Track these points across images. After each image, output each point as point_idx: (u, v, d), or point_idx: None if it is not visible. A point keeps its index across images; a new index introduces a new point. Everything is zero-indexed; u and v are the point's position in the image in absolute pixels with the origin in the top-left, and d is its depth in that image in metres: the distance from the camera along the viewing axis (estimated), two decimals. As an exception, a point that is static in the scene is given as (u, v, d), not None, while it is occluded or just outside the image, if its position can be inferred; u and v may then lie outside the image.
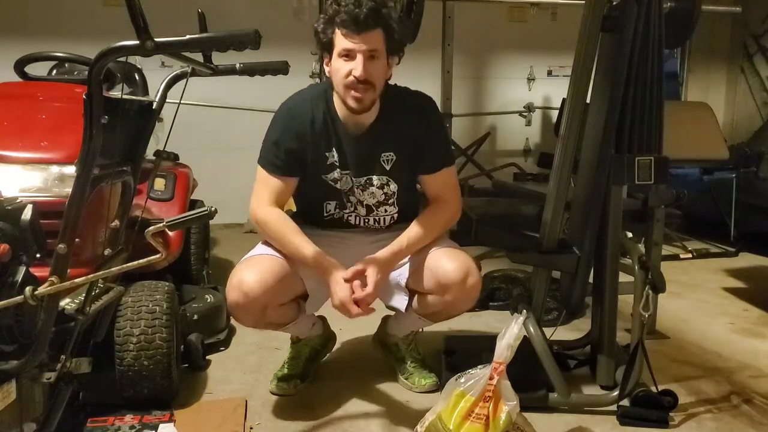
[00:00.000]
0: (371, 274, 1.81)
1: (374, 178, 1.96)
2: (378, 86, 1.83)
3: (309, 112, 1.90)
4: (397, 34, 1.83)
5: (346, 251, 1.99)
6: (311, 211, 2.04)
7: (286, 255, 1.91)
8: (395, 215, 2.04)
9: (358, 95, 1.80)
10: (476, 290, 1.92)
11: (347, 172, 1.95)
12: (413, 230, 1.93)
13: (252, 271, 1.84)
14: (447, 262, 1.90)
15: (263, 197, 1.92)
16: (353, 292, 1.79)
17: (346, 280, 1.80)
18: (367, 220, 2.03)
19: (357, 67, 1.77)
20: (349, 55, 1.78)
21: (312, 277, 1.92)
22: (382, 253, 1.88)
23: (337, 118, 1.91)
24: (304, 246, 1.86)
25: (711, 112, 3.89)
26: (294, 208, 2.12)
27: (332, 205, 2.01)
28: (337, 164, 1.94)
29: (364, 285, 1.80)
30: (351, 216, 2.02)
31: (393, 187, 1.98)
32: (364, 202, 2.00)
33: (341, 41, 1.78)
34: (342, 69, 1.79)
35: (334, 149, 1.92)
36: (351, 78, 1.78)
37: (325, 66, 1.87)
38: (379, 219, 2.04)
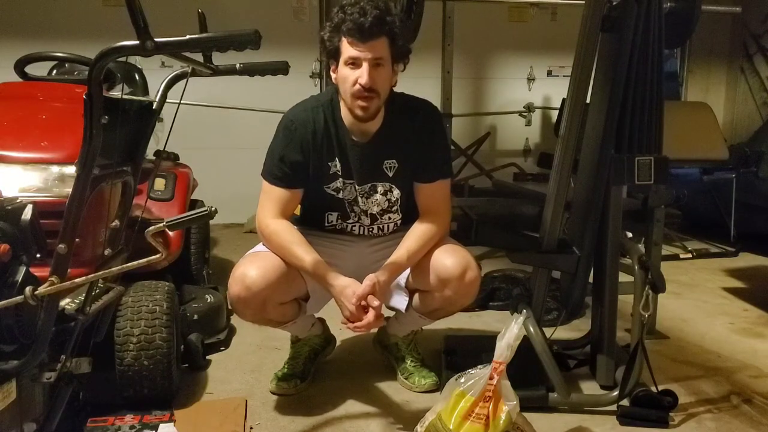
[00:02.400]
0: (374, 302, 1.77)
1: (378, 185, 1.96)
2: (383, 94, 1.84)
3: (310, 122, 1.90)
4: (402, 41, 1.83)
5: (347, 256, 2.01)
6: (313, 220, 2.04)
7: None
8: (398, 222, 2.04)
9: (364, 104, 1.81)
10: (475, 285, 1.92)
11: (351, 181, 1.94)
12: (411, 247, 1.89)
13: (255, 266, 1.85)
14: (446, 258, 1.91)
15: (269, 209, 1.92)
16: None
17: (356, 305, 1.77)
18: (370, 230, 2.03)
19: (363, 75, 1.77)
20: (355, 63, 1.78)
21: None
22: (383, 275, 1.84)
23: (343, 126, 1.91)
24: (305, 257, 1.85)
25: (711, 112, 3.89)
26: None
27: (334, 216, 2.01)
28: (340, 173, 1.93)
29: (367, 309, 1.78)
30: (354, 226, 2.02)
31: (396, 193, 1.98)
32: (368, 212, 1.99)
33: (347, 49, 1.78)
34: (349, 77, 1.80)
35: (336, 159, 1.92)
36: (357, 86, 1.78)
37: (332, 73, 1.87)
38: (383, 227, 2.04)
